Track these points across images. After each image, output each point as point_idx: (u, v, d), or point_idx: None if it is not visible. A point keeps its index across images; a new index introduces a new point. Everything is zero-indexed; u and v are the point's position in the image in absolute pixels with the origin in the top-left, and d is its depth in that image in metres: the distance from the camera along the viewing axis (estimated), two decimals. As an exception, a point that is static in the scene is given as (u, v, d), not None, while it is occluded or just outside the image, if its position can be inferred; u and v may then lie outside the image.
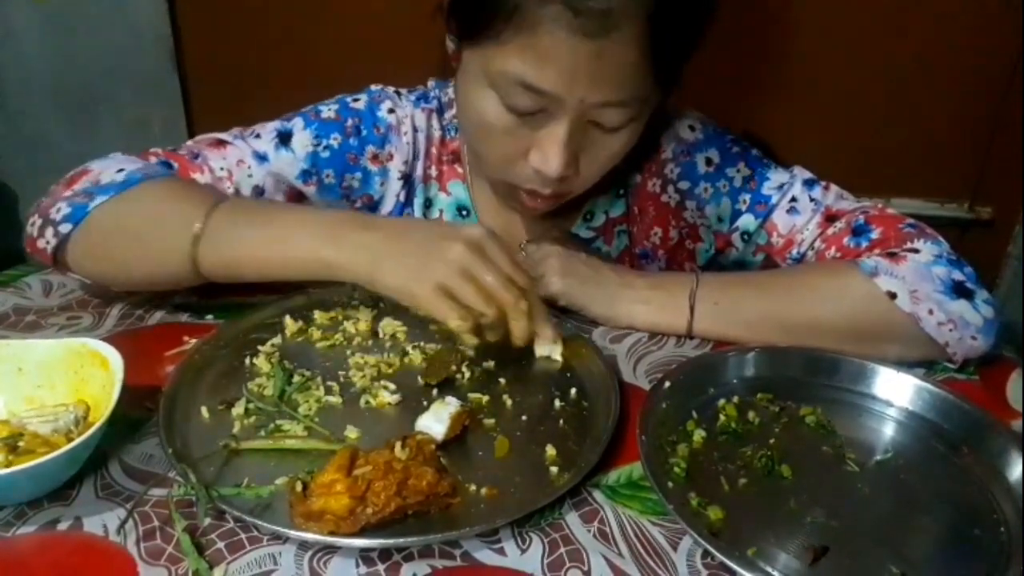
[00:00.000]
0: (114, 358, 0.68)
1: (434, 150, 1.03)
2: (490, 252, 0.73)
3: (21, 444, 0.64)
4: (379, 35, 1.52)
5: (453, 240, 0.73)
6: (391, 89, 1.03)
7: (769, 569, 0.59)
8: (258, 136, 0.98)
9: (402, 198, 1.02)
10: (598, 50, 0.74)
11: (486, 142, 0.88)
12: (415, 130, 1.01)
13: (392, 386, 0.77)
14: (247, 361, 0.79)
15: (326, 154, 0.98)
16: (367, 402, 0.75)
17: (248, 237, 0.78)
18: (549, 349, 0.80)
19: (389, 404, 0.75)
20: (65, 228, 0.83)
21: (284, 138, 0.98)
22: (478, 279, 0.72)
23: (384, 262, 0.73)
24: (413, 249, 0.73)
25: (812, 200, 0.95)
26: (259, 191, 0.97)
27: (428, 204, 1.04)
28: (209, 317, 0.89)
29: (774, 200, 0.96)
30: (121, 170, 0.86)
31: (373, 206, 1.03)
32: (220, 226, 0.78)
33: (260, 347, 0.81)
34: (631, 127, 0.85)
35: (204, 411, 0.72)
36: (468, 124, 0.90)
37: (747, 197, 0.97)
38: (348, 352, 0.82)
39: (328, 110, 1.00)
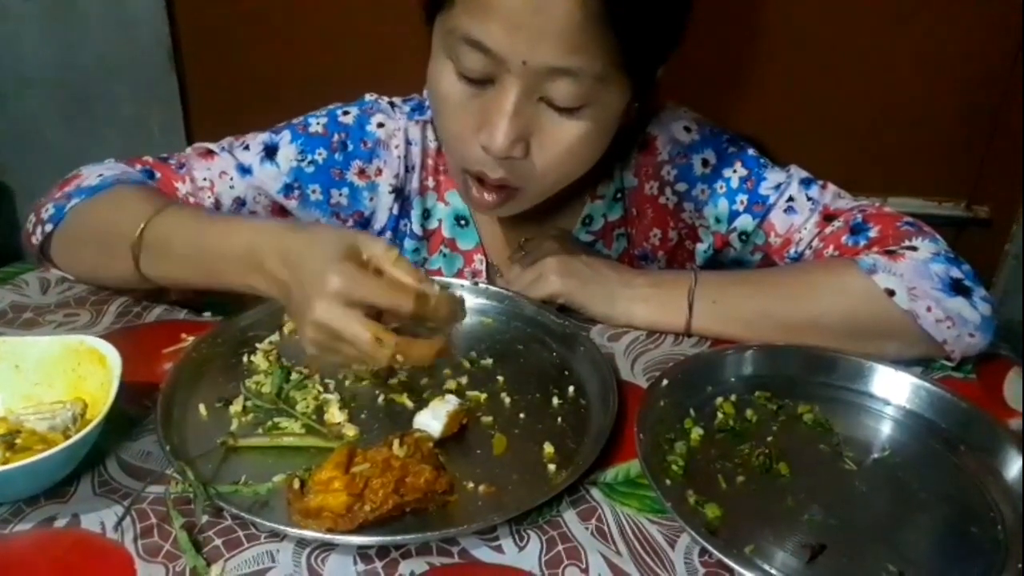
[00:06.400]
0: (112, 355, 0.68)
1: (430, 161, 1.02)
2: (360, 289, 0.66)
3: (18, 441, 0.64)
4: (379, 35, 1.52)
5: (315, 299, 0.66)
6: (385, 100, 1.02)
7: (767, 567, 0.59)
8: (246, 147, 0.98)
9: (395, 211, 1.02)
10: (536, 0, 0.72)
11: (443, 117, 0.86)
12: (408, 143, 1.00)
13: (390, 383, 0.77)
14: (245, 358, 0.79)
15: (311, 169, 0.98)
16: (365, 399, 0.75)
17: (182, 259, 0.79)
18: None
19: (387, 401, 0.75)
20: (48, 228, 0.88)
21: (270, 151, 0.98)
22: (341, 333, 0.66)
23: (288, 304, 0.71)
24: (295, 302, 0.69)
25: (810, 199, 0.95)
26: (240, 203, 0.98)
27: (426, 215, 1.04)
28: (207, 314, 0.89)
29: (771, 200, 0.96)
30: (100, 175, 0.89)
31: (364, 223, 1.03)
32: (155, 243, 0.79)
33: (258, 344, 0.81)
34: (588, 114, 0.80)
35: (202, 408, 0.72)
36: (432, 103, 0.88)
37: (744, 197, 0.97)
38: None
39: (316, 123, 0.99)
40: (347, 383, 0.77)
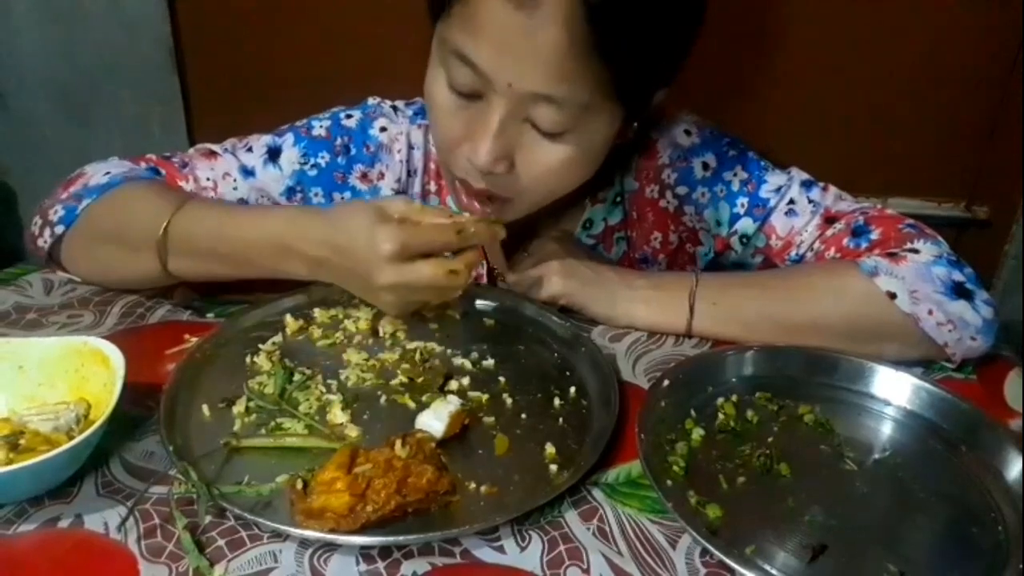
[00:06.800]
0: (115, 356, 0.69)
1: (432, 165, 1.02)
2: (415, 241, 0.73)
3: (22, 442, 0.64)
4: (379, 34, 1.52)
5: (381, 287, 0.74)
6: (388, 104, 1.02)
7: (768, 567, 0.59)
8: (250, 149, 0.99)
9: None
10: (526, 26, 0.72)
11: (433, 123, 0.86)
12: (410, 147, 1.00)
13: (392, 384, 0.77)
14: (248, 359, 0.79)
15: (313, 172, 0.98)
16: (368, 400, 0.75)
17: (211, 252, 0.81)
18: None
19: (389, 402, 0.75)
20: (59, 229, 0.88)
21: (273, 154, 0.98)
22: (419, 284, 0.74)
23: (341, 281, 0.78)
24: (353, 277, 0.76)
25: (811, 202, 0.95)
26: (243, 204, 0.98)
27: None
28: (210, 315, 0.89)
29: (772, 203, 0.96)
30: (108, 173, 0.90)
31: None
32: (181, 239, 0.81)
33: (261, 345, 0.81)
34: (573, 140, 0.80)
35: (205, 409, 0.72)
36: (427, 108, 0.88)
37: (745, 200, 0.97)
38: (348, 350, 0.82)
39: (320, 126, 0.99)
40: (349, 383, 0.77)
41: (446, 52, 0.78)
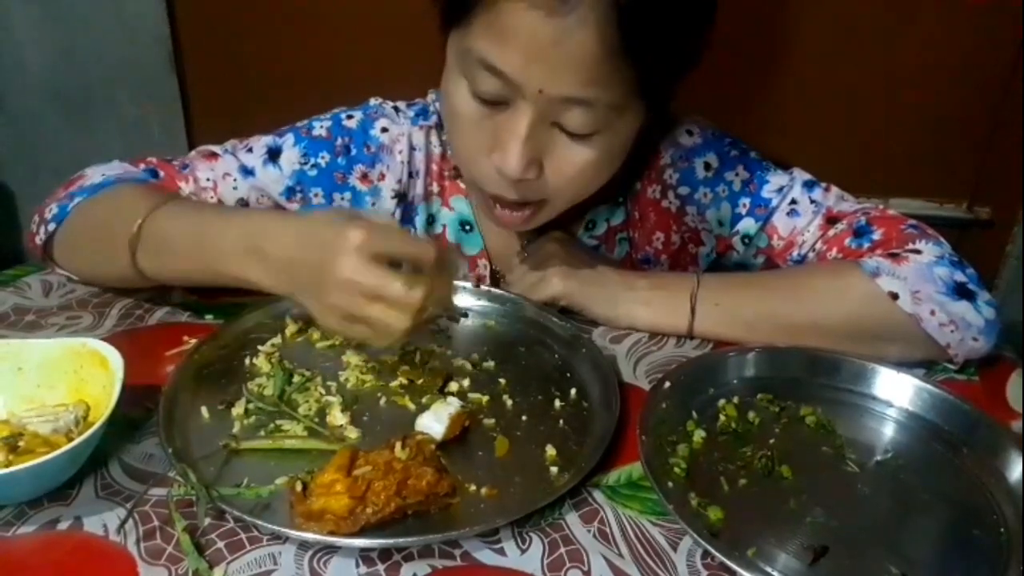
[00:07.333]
0: (114, 358, 0.68)
1: (434, 167, 1.02)
2: (382, 237, 0.67)
3: (21, 444, 0.64)
4: (380, 36, 1.52)
5: (336, 280, 0.66)
6: (389, 105, 1.02)
7: (769, 569, 0.59)
8: (250, 150, 0.99)
9: (398, 216, 1.01)
10: (557, 32, 0.71)
11: (456, 134, 0.86)
12: (412, 149, 1.00)
13: (392, 385, 0.77)
14: (247, 361, 0.79)
15: (313, 172, 0.98)
16: (367, 402, 0.75)
17: (179, 251, 0.79)
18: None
19: (389, 403, 0.75)
20: (51, 227, 0.89)
21: (273, 154, 0.98)
22: (373, 289, 0.66)
23: (298, 286, 0.71)
24: (311, 274, 0.68)
25: (813, 202, 0.95)
26: (243, 204, 0.98)
27: (431, 221, 1.03)
28: (209, 317, 0.89)
29: (774, 203, 0.96)
30: (104, 174, 0.90)
31: None
32: (152, 236, 0.79)
33: (260, 347, 0.81)
34: (601, 140, 0.80)
35: (204, 411, 0.72)
36: (445, 118, 0.89)
37: (747, 201, 0.97)
38: (348, 352, 0.82)
39: (320, 127, 0.99)
40: (349, 385, 0.77)
41: (468, 61, 0.78)
